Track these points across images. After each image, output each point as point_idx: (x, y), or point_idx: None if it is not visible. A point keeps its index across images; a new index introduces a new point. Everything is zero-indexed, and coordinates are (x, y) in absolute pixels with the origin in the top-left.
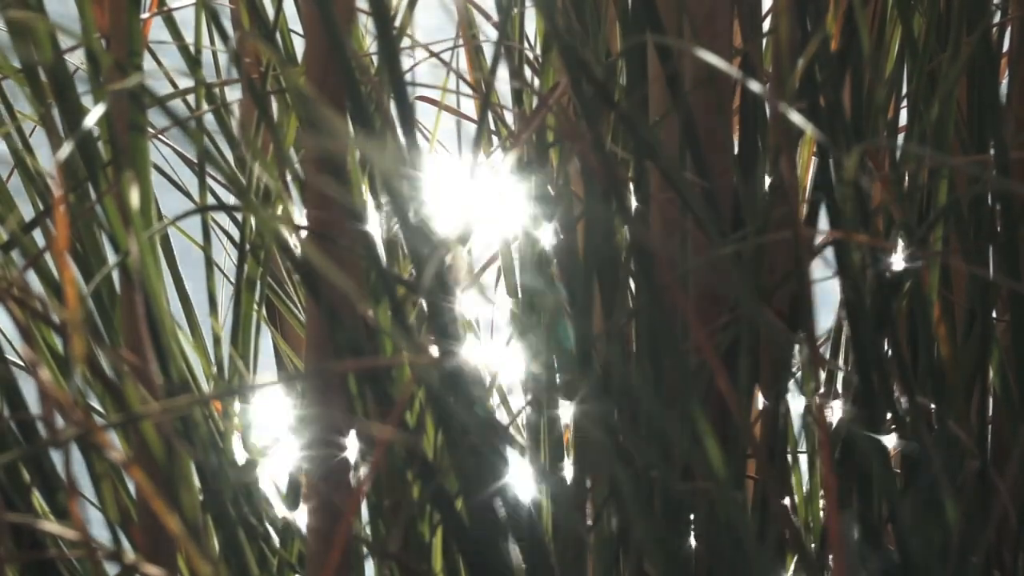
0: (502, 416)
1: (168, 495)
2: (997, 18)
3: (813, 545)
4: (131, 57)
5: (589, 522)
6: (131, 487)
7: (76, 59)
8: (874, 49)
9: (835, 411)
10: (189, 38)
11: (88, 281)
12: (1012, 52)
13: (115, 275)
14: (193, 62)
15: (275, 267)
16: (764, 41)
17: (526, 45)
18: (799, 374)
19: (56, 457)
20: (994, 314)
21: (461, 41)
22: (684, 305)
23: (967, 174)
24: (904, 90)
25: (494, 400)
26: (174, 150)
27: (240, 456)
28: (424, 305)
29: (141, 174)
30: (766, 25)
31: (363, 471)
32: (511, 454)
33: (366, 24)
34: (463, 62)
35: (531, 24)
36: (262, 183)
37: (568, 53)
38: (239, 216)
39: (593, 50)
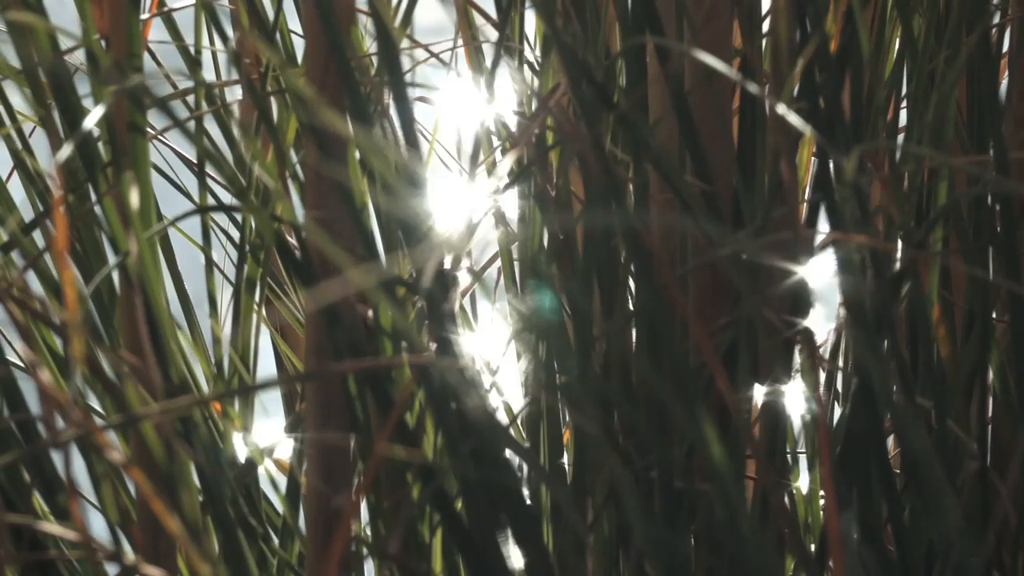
0: (502, 416)
1: (168, 496)
2: (997, 18)
3: (813, 545)
4: (131, 58)
5: (589, 522)
6: (131, 488)
7: (76, 60)
8: (874, 50)
9: (835, 411)
10: (189, 39)
11: (88, 282)
12: (1012, 52)
13: (115, 276)
14: (193, 63)
15: (275, 267)
16: (764, 42)
17: (526, 46)
18: (799, 374)
19: (56, 458)
20: (994, 314)
21: (461, 41)
22: (684, 305)
23: (967, 174)
24: (904, 90)
25: (494, 400)
26: (174, 151)
27: (240, 456)
28: (424, 305)
29: (141, 175)
30: (765, 26)
31: (362, 471)
32: (511, 454)
33: (366, 24)
34: (463, 62)
35: (531, 25)
36: (262, 183)
37: (567, 54)
38: (239, 216)
39: (593, 51)
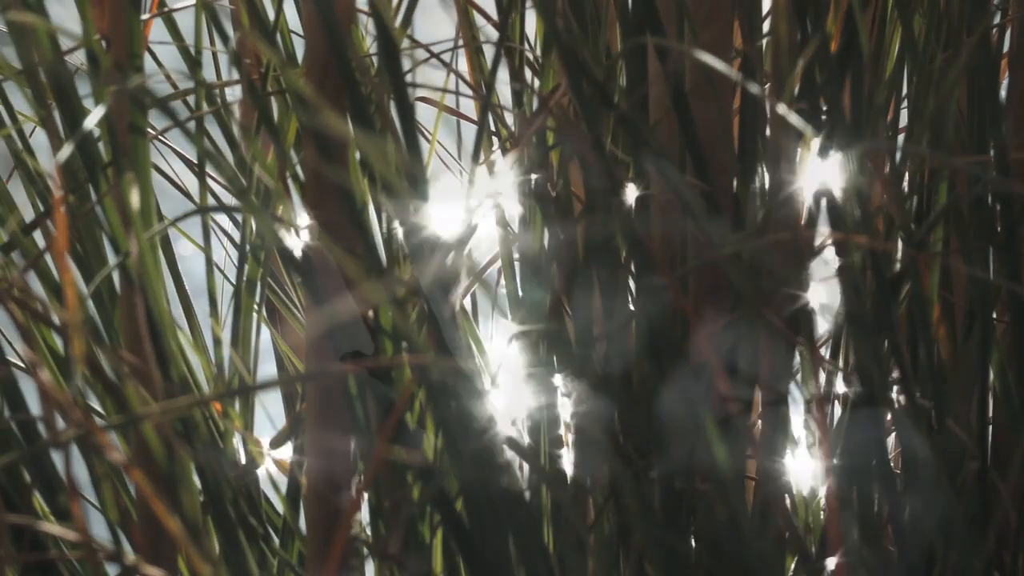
0: (502, 416)
1: (168, 496)
2: (997, 18)
3: (813, 545)
4: (131, 58)
5: (589, 522)
6: (131, 488)
7: (76, 60)
8: (874, 50)
9: (835, 411)
10: (189, 39)
11: (88, 282)
12: (1012, 52)
13: (115, 276)
14: (193, 63)
15: (275, 267)
16: (764, 42)
17: (526, 46)
18: (799, 374)
19: (56, 458)
20: (994, 314)
21: (461, 42)
22: (684, 305)
23: (967, 174)
24: (904, 90)
25: (494, 400)
26: (174, 151)
27: (240, 456)
28: (424, 305)
29: (141, 175)
30: (766, 26)
31: (363, 472)
32: (511, 454)
33: (366, 24)
34: (463, 63)
35: (531, 25)
36: (262, 184)
37: (568, 54)
38: (239, 217)
39: (593, 51)
